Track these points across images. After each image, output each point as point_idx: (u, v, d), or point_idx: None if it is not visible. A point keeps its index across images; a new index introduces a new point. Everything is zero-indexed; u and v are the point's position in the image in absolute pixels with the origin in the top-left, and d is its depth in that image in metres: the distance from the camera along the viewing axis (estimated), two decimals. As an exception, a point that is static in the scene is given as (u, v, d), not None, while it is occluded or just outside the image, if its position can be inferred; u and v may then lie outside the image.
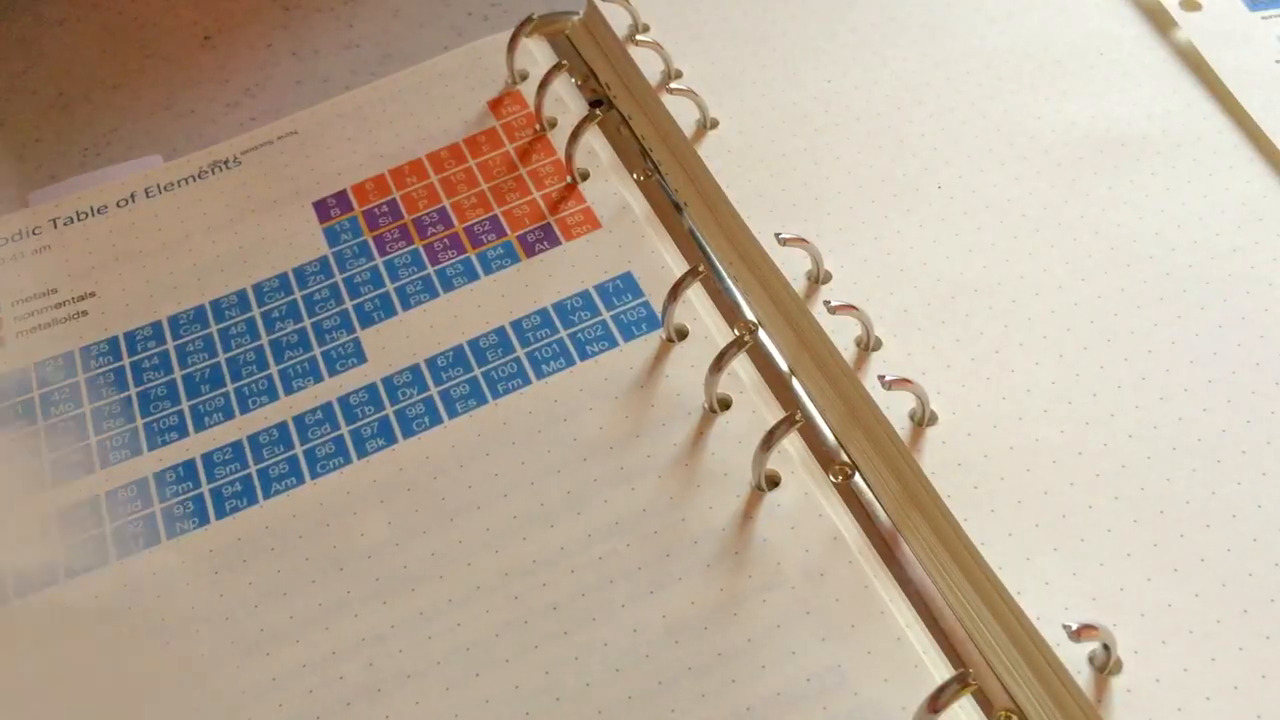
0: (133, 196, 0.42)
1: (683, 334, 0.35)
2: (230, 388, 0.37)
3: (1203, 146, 0.39)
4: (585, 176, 0.40)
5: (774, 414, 0.34)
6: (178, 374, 0.37)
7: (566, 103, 0.42)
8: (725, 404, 0.34)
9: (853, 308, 0.33)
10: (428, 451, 0.34)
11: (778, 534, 0.31)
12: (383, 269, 0.39)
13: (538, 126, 0.42)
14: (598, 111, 0.40)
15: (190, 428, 0.36)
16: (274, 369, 0.37)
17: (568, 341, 0.36)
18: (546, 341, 0.36)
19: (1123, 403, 0.33)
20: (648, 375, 0.35)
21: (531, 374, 0.35)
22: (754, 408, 0.34)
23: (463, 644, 0.31)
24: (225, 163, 0.43)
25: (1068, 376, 0.33)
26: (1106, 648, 0.27)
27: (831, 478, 0.33)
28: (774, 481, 0.32)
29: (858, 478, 0.33)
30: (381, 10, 0.50)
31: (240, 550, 0.33)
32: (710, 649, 0.30)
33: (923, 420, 0.32)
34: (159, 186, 0.42)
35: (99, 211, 0.42)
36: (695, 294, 0.36)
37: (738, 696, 0.29)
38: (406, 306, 0.38)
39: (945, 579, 0.31)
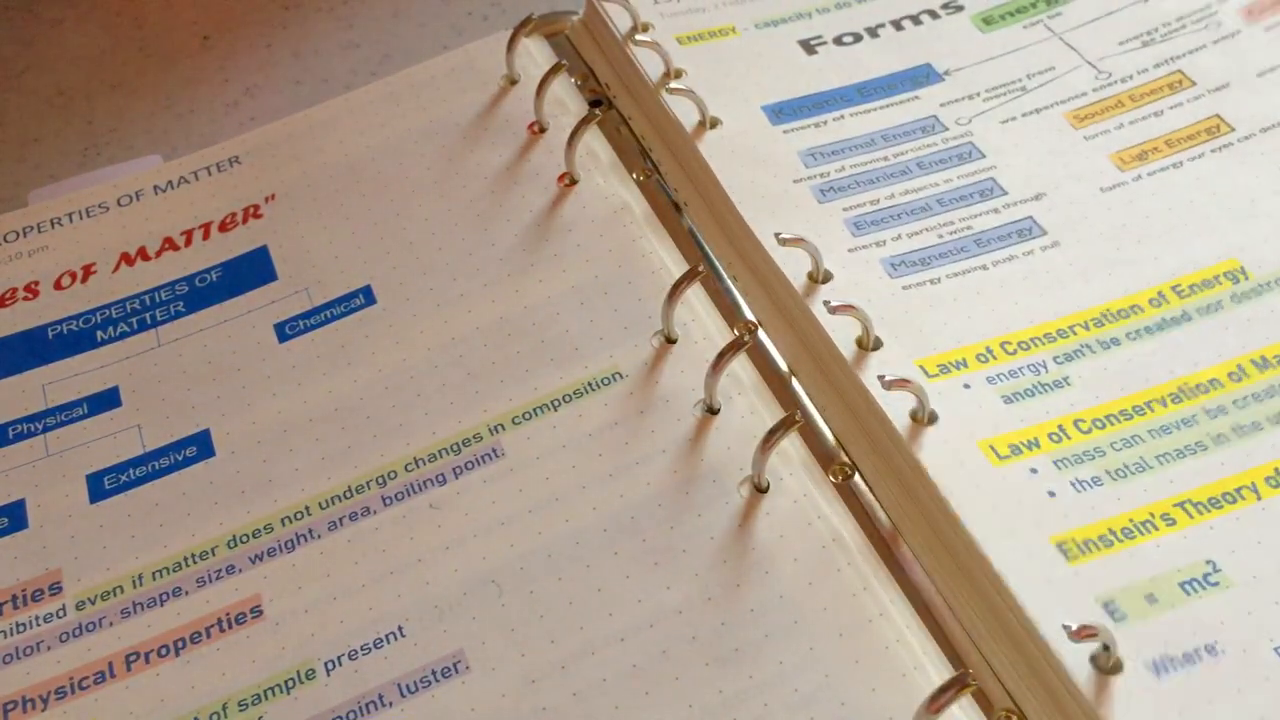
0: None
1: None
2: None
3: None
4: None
5: (773, 414, 0.33)
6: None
7: (566, 103, 0.42)
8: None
9: (853, 308, 0.33)
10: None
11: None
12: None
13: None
14: (597, 111, 0.40)
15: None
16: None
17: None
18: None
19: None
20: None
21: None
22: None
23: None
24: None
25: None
26: (1107, 648, 0.27)
27: (831, 478, 0.33)
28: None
29: (857, 478, 0.33)
30: (381, 10, 0.50)
31: None
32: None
33: (923, 420, 0.32)
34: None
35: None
36: (695, 294, 0.36)
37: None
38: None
39: (945, 579, 0.31)
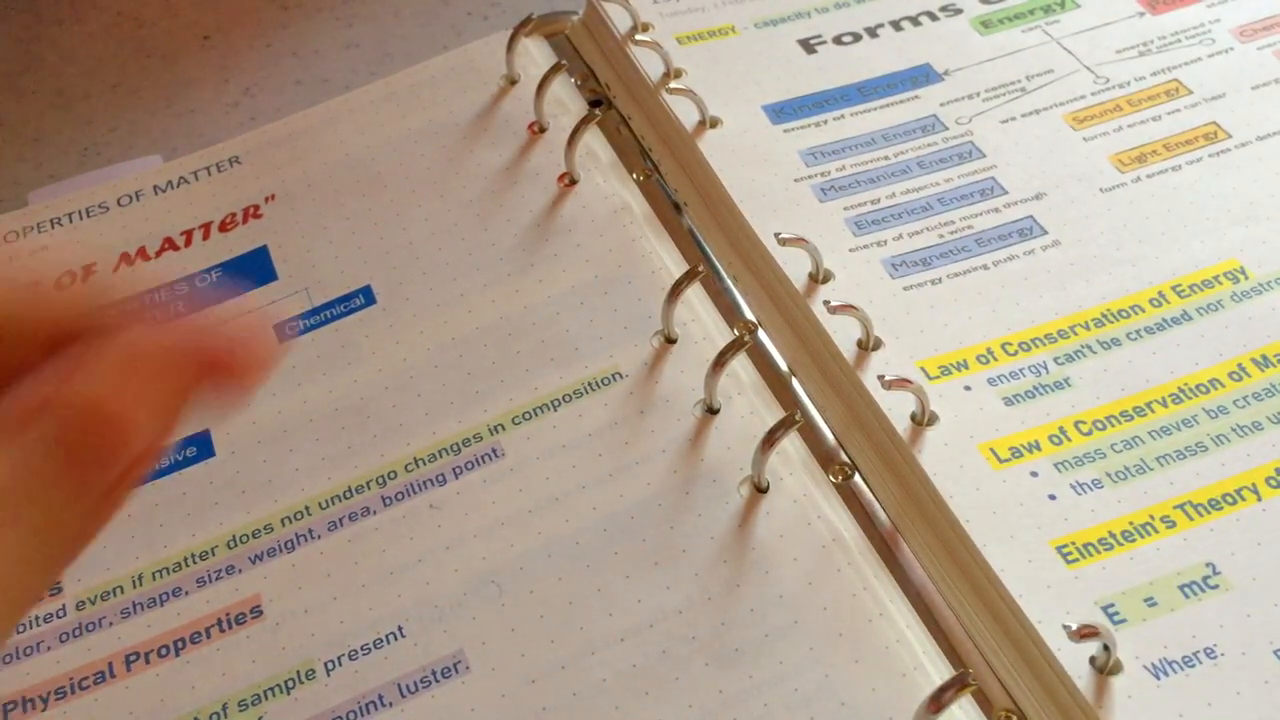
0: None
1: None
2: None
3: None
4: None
5: (774, 414, 0.33)
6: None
7: (566, 103, 0.42)
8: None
9: (853, 308, 0.33)
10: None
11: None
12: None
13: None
14: (597, 111, 0.40)
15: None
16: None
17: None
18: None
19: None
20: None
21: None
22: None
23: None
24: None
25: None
26: (1107, 648, 0.27)
27: (831, 478, 0.33)
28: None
29: (857, 478, 0.33)
30: (381, 10, 0.50)
31: None
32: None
33: (923, 420, 0.32)
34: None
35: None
36: (695, 294, 0.36)
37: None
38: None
39: (946, 580, 0.31)
